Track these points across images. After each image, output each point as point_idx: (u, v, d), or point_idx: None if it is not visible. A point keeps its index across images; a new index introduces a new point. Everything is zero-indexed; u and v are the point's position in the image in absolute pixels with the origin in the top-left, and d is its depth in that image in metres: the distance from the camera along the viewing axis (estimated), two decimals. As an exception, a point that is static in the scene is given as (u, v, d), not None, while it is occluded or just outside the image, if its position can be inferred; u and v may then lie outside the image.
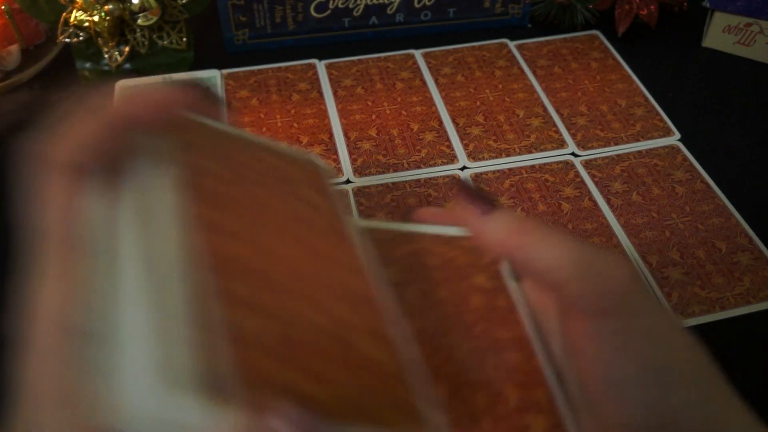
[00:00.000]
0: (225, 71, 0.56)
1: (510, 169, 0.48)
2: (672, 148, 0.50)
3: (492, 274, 0.27)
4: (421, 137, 0.50)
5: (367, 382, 0.19)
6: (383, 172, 0.48)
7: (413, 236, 0.26)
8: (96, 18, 0.52)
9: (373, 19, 0.59)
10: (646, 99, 0.54)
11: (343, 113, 0.52)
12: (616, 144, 0.50)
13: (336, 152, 0.49)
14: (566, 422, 0.23)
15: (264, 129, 0.51)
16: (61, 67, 0.57)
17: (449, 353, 0.22)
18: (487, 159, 0.49)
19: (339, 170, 0.48)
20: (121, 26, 0.53)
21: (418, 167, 0.48)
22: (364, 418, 0.18)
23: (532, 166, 0.48)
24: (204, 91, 0.23)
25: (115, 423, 0.14)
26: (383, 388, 0.19)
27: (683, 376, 0.21)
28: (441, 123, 0.52)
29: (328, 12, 0.58)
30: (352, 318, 0.21)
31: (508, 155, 0.49)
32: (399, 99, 0.54)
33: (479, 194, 0.24)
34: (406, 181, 0.47)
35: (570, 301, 0.22)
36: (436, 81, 0.55)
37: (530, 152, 0.49)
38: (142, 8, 0.52)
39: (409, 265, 0.25)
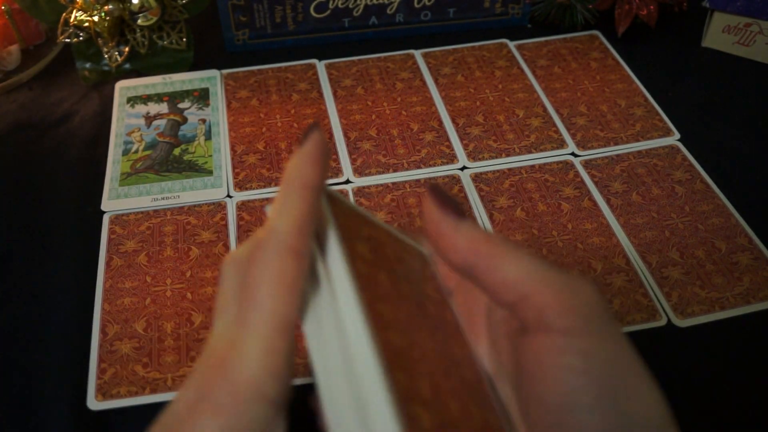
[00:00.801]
0: (225, 71, 0.56)
1: (510, 169, 0.48)
2: (671, 148, 0.50)
3: (436, 287, 0.27)
4: (421, 137, 0.50)
5: None
6: (383, 172, 0.48)
7: (373, 224, 0.26)
8: (96, 18, 0.52)
9: (373, 19, 0.59)
10: (646, 99, 0.54)
11: (342, 113, 0.52)
12: (616, 144, 0.50)
13: (336, 152, 0.49)
14: None
15: (264, 129, 0.51)
16: (61, 67, 0.57)
17: (423, 352, 0.22)
18: (486, 159, 0.49)
19: (339, 170, 0.48)
20: (121, 26, 0.54)
21: (418, 167, 0.48)
22: None
23: (532, 166, 0.48)
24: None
25: None
26: None
27: (641, 415, 0.20)
28: (441, 123, 0.52)
29: (328, 12, 0.58)
30: (479, 417, 0.22)
31: (508, 155, 0.49)
32: (399, 99, 0.54)
33: (450, 200, 0.23)
34: (406, 181, 0.47)
35: (534, 315, 0.20)
36: (436, 81, 0.55)
37: (530, 152, 0.49)
38: (142, 8, 0.52)
39: (374, 248, 0.24)
